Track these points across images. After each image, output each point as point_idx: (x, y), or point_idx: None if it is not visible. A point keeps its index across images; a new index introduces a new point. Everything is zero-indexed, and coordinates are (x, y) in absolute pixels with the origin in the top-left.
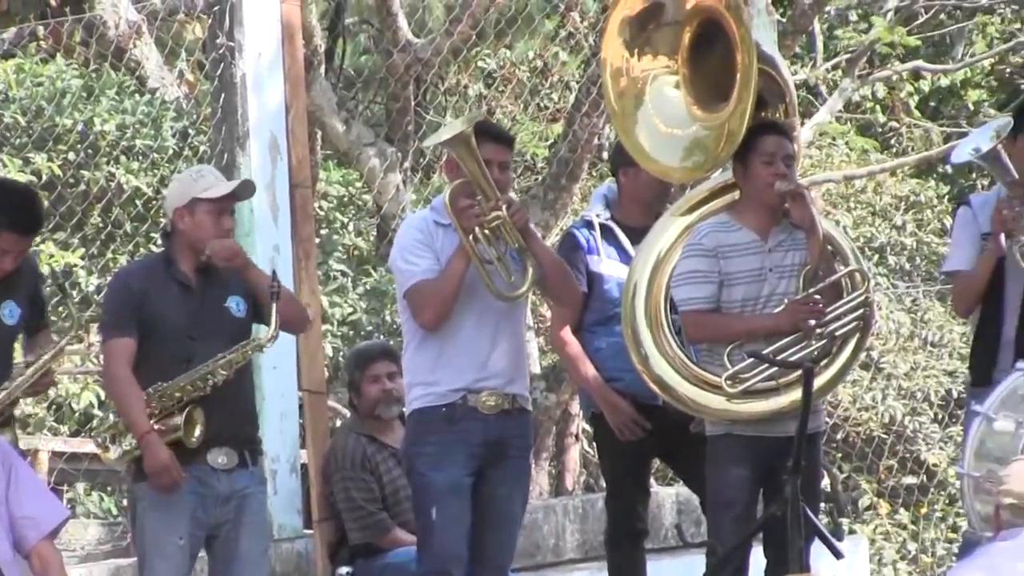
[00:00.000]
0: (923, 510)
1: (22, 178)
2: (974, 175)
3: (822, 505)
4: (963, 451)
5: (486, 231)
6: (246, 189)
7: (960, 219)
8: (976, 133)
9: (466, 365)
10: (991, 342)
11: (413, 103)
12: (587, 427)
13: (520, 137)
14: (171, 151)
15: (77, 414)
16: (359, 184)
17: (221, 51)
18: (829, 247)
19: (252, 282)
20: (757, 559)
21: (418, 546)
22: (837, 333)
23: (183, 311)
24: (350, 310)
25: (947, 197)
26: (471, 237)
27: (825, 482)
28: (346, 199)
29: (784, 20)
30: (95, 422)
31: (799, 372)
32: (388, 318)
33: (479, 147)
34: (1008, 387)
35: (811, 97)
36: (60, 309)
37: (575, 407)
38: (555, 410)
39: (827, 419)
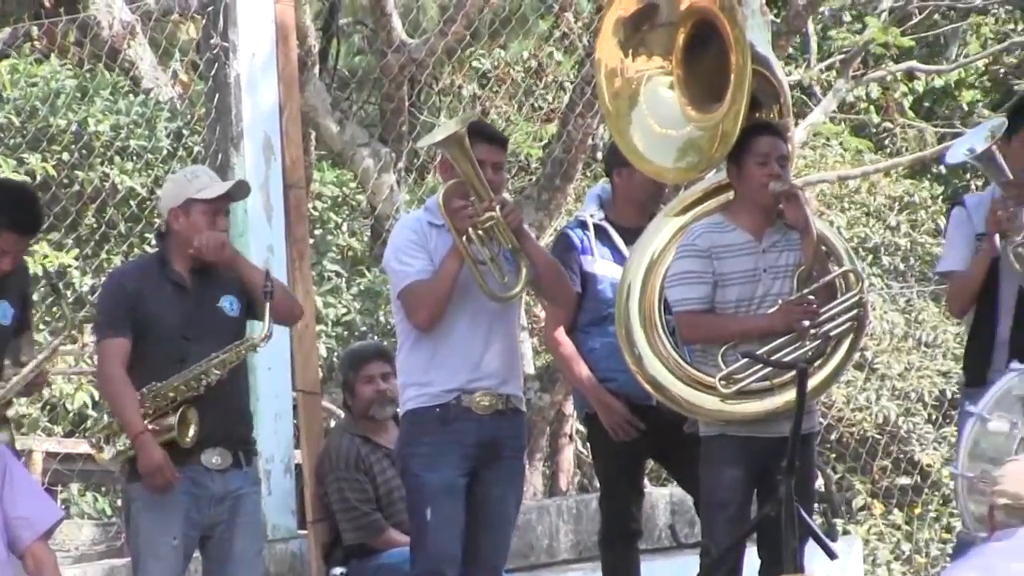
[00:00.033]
0: (917, 510)
1: (16, 179)
2: (968, 175)
3: (816, 506)
4: (957, 451)
5: (480, 232)
6: (241, 190)
7: (954, 219)
8: (971, 134)
9: (460, 366)
10: (985, 343)
11: (407, 103)
12: (581, 427)
13: (514, 137)
14: (165, 151)
15: (71, 415)
16: (353, 184)
17: (215, 51)
18: (823, 248)
19: (242, 274)
20: (751, 560)
21: (412, 547)
22: (831, 334)
23: (177, 311)
24: (344, 311)
25: (941, 198)
26: (465, 238)
27: (819, 483)
28: (340, 200)
29: (778, 21)
30: (89, 423)
31: (793, 373)
32: (382, 318)
33: (473, 148)
34: (1002, 387)
35: (805, 98)
36: (54, 310)
37: (569, 407)
38: (549, 411)
39: (821, 420)
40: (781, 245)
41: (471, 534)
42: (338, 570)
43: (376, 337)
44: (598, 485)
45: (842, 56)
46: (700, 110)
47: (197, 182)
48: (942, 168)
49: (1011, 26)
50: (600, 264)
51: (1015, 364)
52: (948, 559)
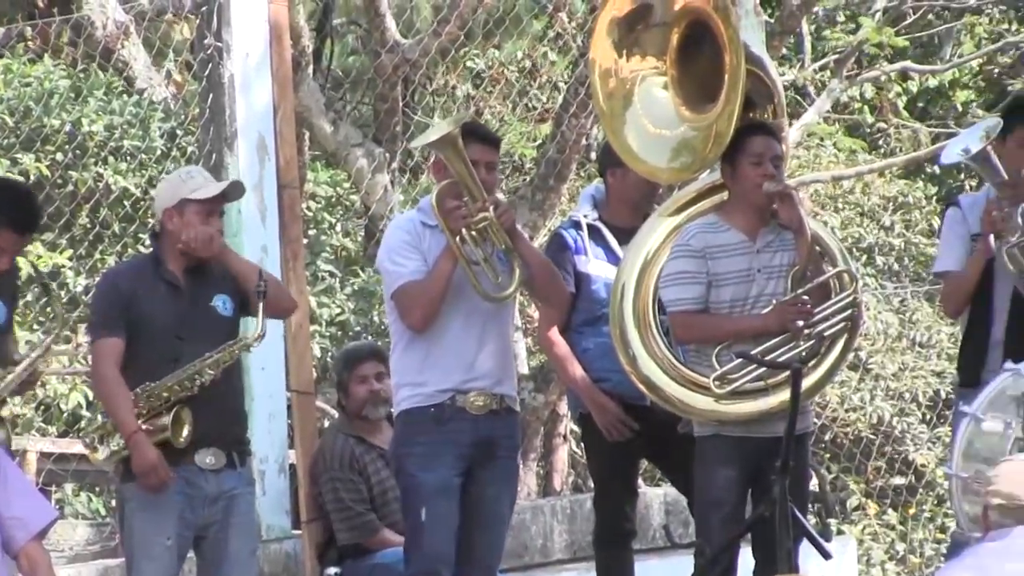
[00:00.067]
0: (911, 510)
1: (13, 178)
2: (962, 176)
3: (810, 506)
4: (951, 452)
5: (473, 232)
6: (235, 190)
7: (949, 220)
8: (965, 134)
9: (454, 366)
10: (980, 343)
11: (401, 104)
12: (575, 428)
13: (508, 138)
14: (159, 152)
15: (65, 415)
16: (347, 185)
17: (209, 52)
18: (817, 248)
19: (233, 268)
20: (745, 560)
21: (406, 547)
22: (825, 334)
23: (171, 311)
24: (338, 311)
25: (935, 198)
26: (458, 238)
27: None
28: (334, 200)
29: (772, 21)
30: (83, 423)
31: (787, 373)
32: (376, 319)
33: (466, 148)
34: (996, 388)
35: (799, 98)
36: (47, 309)
37: (563, 408)
38: (543, 411)
39: (815, 420)
40: (775, 245)
41: (465, 534)
42: (332, 570)
43: (370, 337)
44: (592, 485)
45: (836, 56)
46: (694, 110)
47: (192, 182)
48: (936, 168)
49: (1005, 26)
50: (594, 264)
51: (1009, 364)
52: (942, 559)
